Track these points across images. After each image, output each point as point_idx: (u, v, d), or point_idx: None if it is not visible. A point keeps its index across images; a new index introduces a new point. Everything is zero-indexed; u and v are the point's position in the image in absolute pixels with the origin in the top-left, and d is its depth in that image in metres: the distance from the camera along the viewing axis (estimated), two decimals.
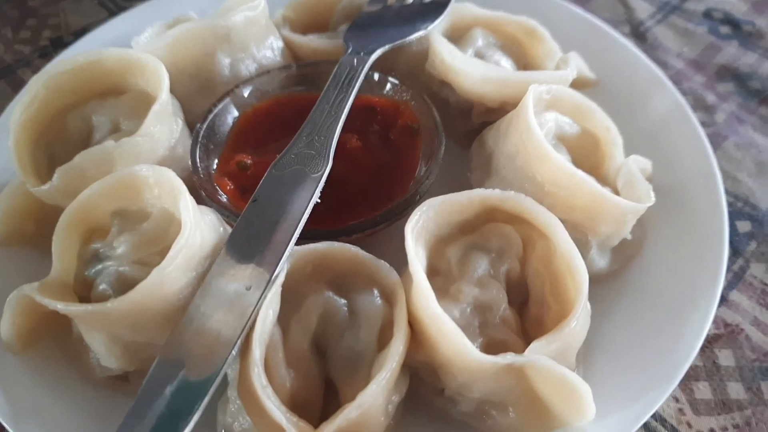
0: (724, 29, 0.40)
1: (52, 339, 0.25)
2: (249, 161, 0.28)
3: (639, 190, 0.27)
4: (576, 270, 0.23)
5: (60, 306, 0.22)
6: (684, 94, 0.36)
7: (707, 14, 0.41)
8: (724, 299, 0.28)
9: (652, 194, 0.27)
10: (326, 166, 0.25)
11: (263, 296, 0.22)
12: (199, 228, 0.23)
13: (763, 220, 0.31)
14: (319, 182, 0.25)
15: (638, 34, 0.40)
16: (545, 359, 0.22)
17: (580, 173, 0.25)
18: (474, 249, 0.25)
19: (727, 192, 0.32)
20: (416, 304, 0.23)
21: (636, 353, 0.25)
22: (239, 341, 0.22)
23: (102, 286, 0.24)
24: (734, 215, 0.31)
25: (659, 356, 0.24)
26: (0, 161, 0.30)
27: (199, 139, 0.28)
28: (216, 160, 0.29)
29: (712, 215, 0.28)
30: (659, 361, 0.24)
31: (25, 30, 0.41)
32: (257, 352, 0.22)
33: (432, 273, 0.25)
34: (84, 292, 0.24)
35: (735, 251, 0.30)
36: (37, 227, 0.28)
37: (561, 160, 0.25)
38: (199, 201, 0.26)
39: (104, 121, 0.28)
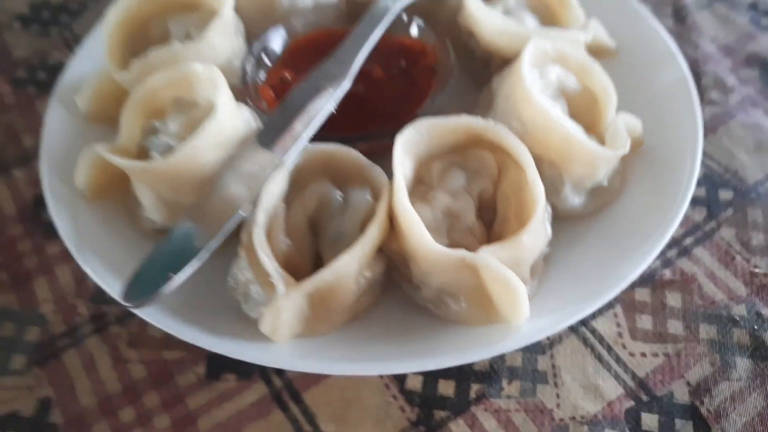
0: (766, 21, 0.42)
1: (116, 195, 0.32)
2: (289, 77, 0.33)
3: (617, 141, 0.30)
4: (536, 194, 0.27)
5: (117, 159, 0.29)
6: (705, 75, 0.38)
7: (753, 5, 0.43)
8: (687, 252, 0.31)
9: (628, 146, 0.30)
10: (345, 83, 0.30)
11: (272, 176, 0.28)
12: (231, 116, 0.29)
13: (746, 192, 0.33)
14: (335, 95, 0.30)
15: (679, 17, 0.42)
16: (492, 259, 0.26)
17: (554, 115, 0.29)
18: (454, 166, 0.29)
19: (719, 164, 0.35)
20: (393, 200, 0.27)
21: (584, 276, 0.28)
22: (238, 218, 0.27)
23: (153, 153, 0.30)
24: (719, 184, 0.34)
25: (600, 281, 0.28)
26: (97, 56, 0.36)
27: (253, 54, 0.34)
28: (264, 74, 0.34)
29: (684, 178, 0.30)
30: (599, 285, 0.28)
31: None
32: (260, 216, 0.27)
33: (417, 182, 0.29)
34: (142, 158, 0.30)
35: (710, 214, 0.33)
36: (116, 107, 0.34)
37: (540, 103, 0.29)
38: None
39: (179, 30, 0.34)
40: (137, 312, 0.27)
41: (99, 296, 0.30)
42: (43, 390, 0.28)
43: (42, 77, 0.40)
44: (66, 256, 0.32)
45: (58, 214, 0.30)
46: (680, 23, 0.42)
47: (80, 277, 0.31)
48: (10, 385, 0.29)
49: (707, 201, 0.33)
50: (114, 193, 0.32)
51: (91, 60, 0.37)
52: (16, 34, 0.43)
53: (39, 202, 0.34)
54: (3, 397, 0.28)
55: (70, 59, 0.37)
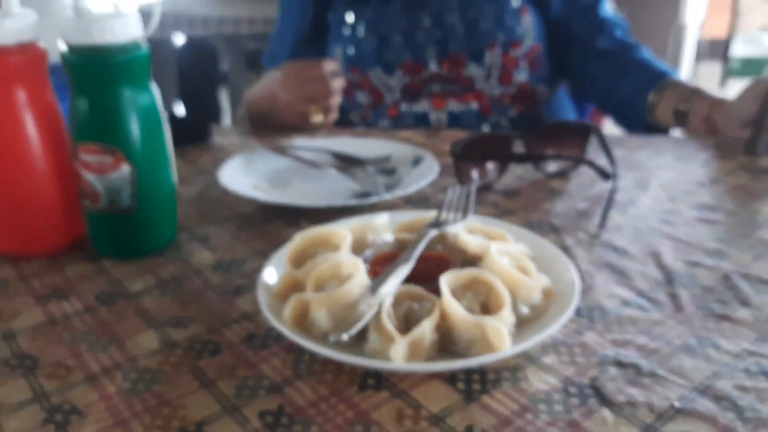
0: (619, 253, 0.80)
1: (299, 322, 0.63)
2: (379, 269, 0.68)
3: (537, 280, 0.65)
4: (504, 297, 0.61)
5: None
6: (580, 270, 0.75)
7: (605, 243, 0.82)
8: (579, 333, 0.64)
9: (543, 281, 0.65)
10: (410, 264, 0.65)
11: (384, 298, 0.61)
12: (363, 276, 0.63)
13: (604, 309, 0.68)
14: (407, 268, 0.64)
15: (564, 249, 0.80)
16: (491, 319, 0.59)
17: (509, 268, 0.64)
18: (467, 290, 0.63)
19: (586, 303, 0.70)
20: (443, 302, 0.61)
21: (530, 338, 0.61)
22: (371, 314, 0.59)
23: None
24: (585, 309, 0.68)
25: (538, 337, 0.60)
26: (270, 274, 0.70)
27: (363, 258, 0.69)
28: (369, 266, 0.69)
29: (572, 304, 0.65)
30: (537, 339, 0.60)
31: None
32: (385, 309, 0.60)
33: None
34: None
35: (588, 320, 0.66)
36: (290, 290, 0.67)
37: (502, 262, 0.65)
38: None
39: (321, 252, 0.70)
40: (329, 353, 0.57)
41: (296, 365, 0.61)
42: None
43: (238, 282, 0.74)
44: (278, 354, 0.62)
45: (279, 329, 0.62)
46: (565, 250, 0.79)
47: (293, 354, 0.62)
48: None
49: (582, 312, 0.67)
50: (298, 320, 0.64)
51: (270, 274, 0.71)
52: (211, 273, 0.77)
53: (250, 337, 0.65)
54: None
55: (258, 275, 0.71)
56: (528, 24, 1.36)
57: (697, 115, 1.01)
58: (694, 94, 1.03)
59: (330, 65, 1.24)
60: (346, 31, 1.40)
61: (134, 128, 0.74)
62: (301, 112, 1.23)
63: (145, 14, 0.79)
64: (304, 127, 1.25)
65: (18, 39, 0.64)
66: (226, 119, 3.40)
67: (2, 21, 0.69)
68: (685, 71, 4.21)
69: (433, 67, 1.38)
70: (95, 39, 0.70)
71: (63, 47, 0.72)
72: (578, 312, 0.66)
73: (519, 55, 1.36)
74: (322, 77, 1.23)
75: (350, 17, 1.40)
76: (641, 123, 1.25)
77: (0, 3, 0.71)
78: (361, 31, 1.40)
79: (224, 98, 3.44)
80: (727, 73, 5.00)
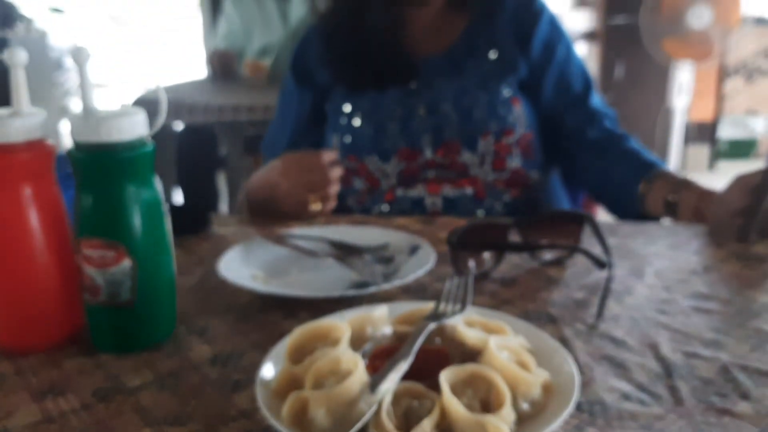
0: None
1: (296, 421, 0.63)
2: (378, 364, 0.68)
3: (537, 376, 0.65)
4: (506, 398, 0.61)
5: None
6: (578, 360, 0.75)
7: (604, 333, 0.82)
8: (582, 427, 0.64)
9: (542, 376, 0.65)
10: (409, 360, 0.65)
11: (384, 396, 0.61)
12: (363, 372, 0.63)
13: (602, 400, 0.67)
14: (406, 365, 0.64)
15: (562, 340, 0.80)
16: (492, 417, 0.58)
17: (509, 364, 0.64)
18: (467, 386, 0.63)
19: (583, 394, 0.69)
20: (444, 400, 0.60)
21: None
22: (371, 414, 0.59)
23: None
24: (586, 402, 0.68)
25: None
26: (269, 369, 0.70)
27: (363, 353, 0.69)
28: (367, 361, 0.69)
29: (572, 397, 0.64)
30: None
31: None
32: (385, 406, 0.59)
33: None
34: None
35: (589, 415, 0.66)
36: (287, 386, 0.67)
37: (503, 359, 0.65)
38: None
39: (320, 347, 0.70)
40: None
41: None
42: None
43: (236, 377, 0.74)
44: None
45: (277, 427, 0.61)
46: (564, 343, 0.80)
47: None
48: None
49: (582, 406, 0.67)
50: (297, 418, 0.63)
51: (268, 370, 0.71)
52: (209, 367, 0.77)
53: None
54: None
55: (257, 371, 0.71)
56: (519, 113, 1.41)
57: (686, 205, 1.03)
58: (682, 185, 1.06)
59: (329, 155, 1.27)
60: (343, 121, 1.45)
61: (137, 223, 0.75)
62: (301, 200, 1.25)
63: (149, 103, 0.81)
64: (302, 215, 1.26)
65: (26, 137, 0.65)
66: (224, 205, 3.44)
67: (12, 120, 0.72)
68: (675, 154, 4.30)
69: (428, 153, 1.41)
70: (102, 137, 0.73)
71: (70, 144, 0.74)
72: (578, 407, 0.66)
73: (511, 143, 1.39)
74: (322, 167, 1.26)
75: (347, 107, 1.45)
76: (632, 212, 1.27)
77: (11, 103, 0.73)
78: (357, 120, 1.44)
79: (222, 183, 3.49)
80: (716, 155, 5.11)
